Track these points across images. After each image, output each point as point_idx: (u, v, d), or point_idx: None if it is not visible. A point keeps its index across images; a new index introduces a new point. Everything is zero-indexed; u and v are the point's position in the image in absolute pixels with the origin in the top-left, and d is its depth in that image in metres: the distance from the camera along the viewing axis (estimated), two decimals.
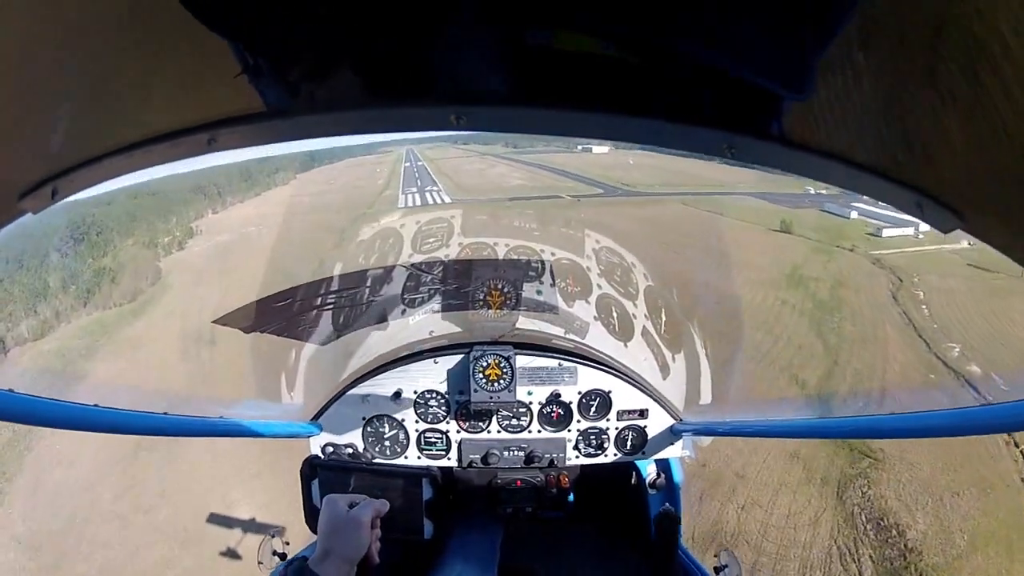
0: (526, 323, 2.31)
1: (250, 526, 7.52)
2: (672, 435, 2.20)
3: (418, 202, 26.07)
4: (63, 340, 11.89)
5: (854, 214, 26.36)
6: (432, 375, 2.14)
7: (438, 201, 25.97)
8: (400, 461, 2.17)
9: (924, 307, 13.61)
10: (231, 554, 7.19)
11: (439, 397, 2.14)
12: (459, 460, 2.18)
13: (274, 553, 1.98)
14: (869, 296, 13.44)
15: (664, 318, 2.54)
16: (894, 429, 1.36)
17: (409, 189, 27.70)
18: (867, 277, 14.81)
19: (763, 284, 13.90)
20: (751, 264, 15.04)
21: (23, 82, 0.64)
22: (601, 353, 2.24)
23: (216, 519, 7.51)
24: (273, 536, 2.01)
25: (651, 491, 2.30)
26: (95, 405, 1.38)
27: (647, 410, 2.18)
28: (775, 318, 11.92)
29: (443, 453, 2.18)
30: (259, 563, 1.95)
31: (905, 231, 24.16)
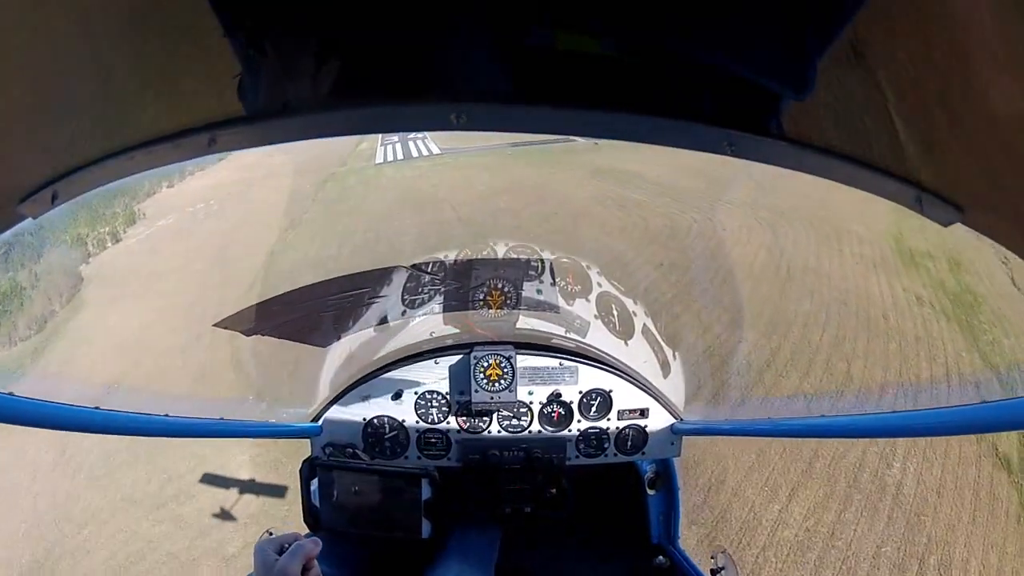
0: (526, 322, 2.31)
1: None
2: (673, 434, 2.20)
3: (399, 155, 21.31)
4: None
5: None
6: (433, 375, 2.14)
7: (423, 152, 21.30)
8: (400, 461, 2.17)
9: None
10: None
11: (440, 397, 2.14)
12: (459, 460, 2.18)
13: None
14: (992, 281, 10.68)
15: (664, 316, 2.54)
16: (898, 428, 1.36)
17: (389, 139, 22.78)
18: (974, 251, 11.88)
19: (876, 265, 11.12)
20: (848, 233, 12.43)
21: (23, 85, 0.64)
22: (602, 352, 2.24)
23: None
24: (271, 534, 2.01)
25: (651, 491, 2.30)
26: (96, 407, 1.38)
27: (648, 409, 2.18)
28: (924, 329, 8.99)
29: (443, 453, 2.18)
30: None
31: None
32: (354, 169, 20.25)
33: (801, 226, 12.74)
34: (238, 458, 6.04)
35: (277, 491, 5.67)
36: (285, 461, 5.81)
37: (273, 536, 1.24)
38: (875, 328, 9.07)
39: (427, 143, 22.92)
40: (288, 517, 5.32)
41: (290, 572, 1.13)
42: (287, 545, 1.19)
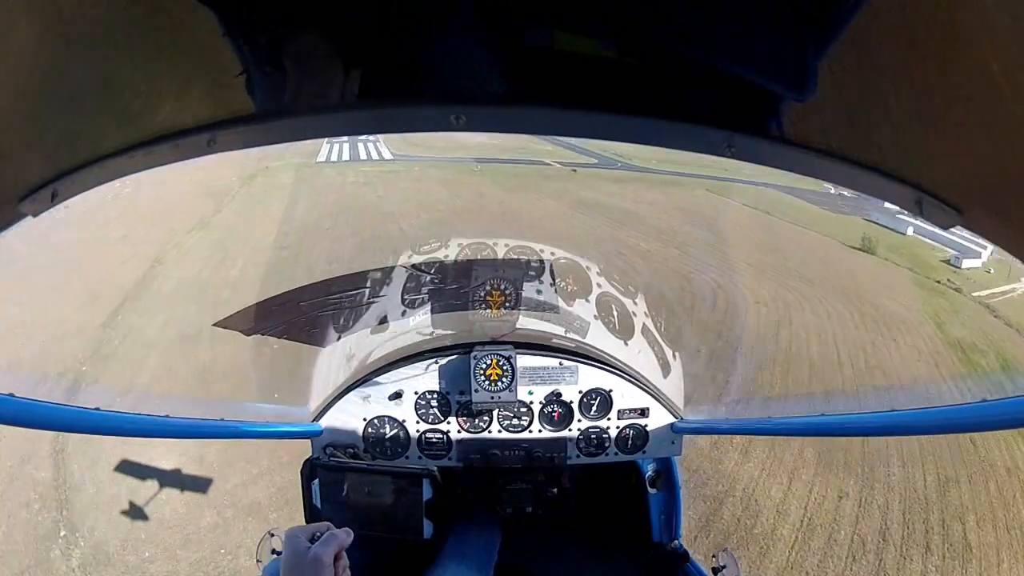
0: (526, 323, 2.31)
1: None
2: (673, 434, 2.20)
3: (345, 156, 19.24)
4: None
5: (910, 230, 21.51)
6: (433, 375, 2.14)
7: (374, 156, 19.37)
8: (401, 461, 2.17)
9: None
10: None
11: (440, 397, 2.14)
12: (460, 460, 2.18)
13: (273, 551, 1.98)
14: None
15: (664, 316, 2.54)
16: (897, 426, 1.36)
17: (338, 138, 20.29)
18: (1012, 344, 10.73)
19: (937, 364, 9.62)
20: (889, 314, 10.74)
21: (23, 84, 0.64)
22: (602, 352, 2.24)
23: None
24: (272, 535, 2.00)
25: (651, 491, 2.30)
26: (96, 408, 1.38)
27: (648, 409, 2.18)
28: (1011, 457, 7.73)
29: (444, 453, 2.18)
30: (257, 561, 1.94)
31: (974, 262, 20.16)
32: (291, 165, 17.66)
33: (837, 301, 11.12)
34: None
35: None
36: None
37: (304, 525, 1.22)
38: (969, 461, 7.85)
39: (378, 146, 20.79)
40: None
41: (324, 560, 1.12)
42: (319, 534, 1.19)
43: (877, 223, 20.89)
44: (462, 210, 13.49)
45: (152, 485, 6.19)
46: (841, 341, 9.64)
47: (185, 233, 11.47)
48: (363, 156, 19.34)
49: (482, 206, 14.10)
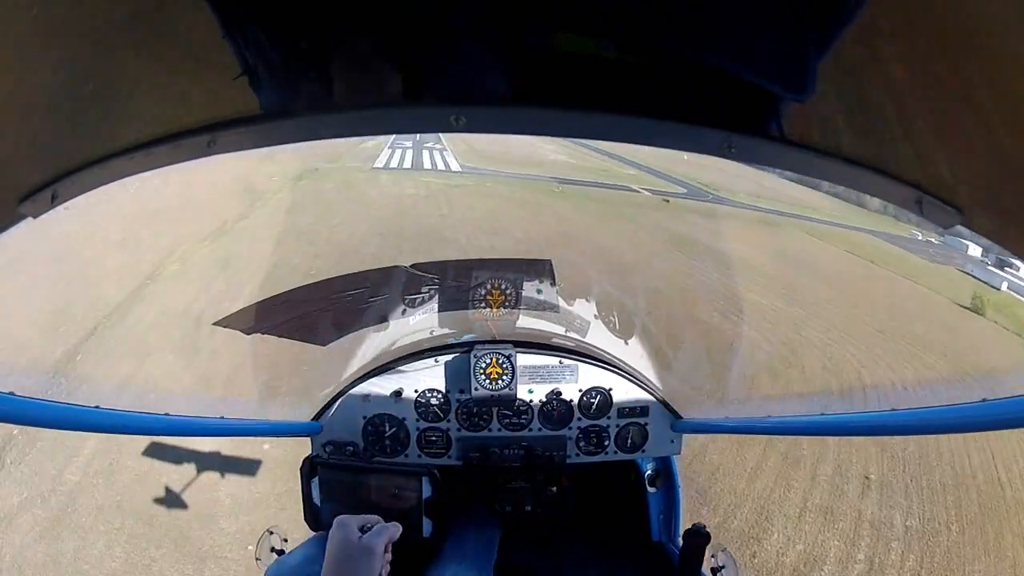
0: (526, 322, 2.31)
1: None
2: (672, 432, 2.21)
3: (407, 163, 17.35)
4: None
5: (1004, 285, 19.44)
6: (432, 374, 2.14)
7: (439, 166, 17.25)
8: (400, 459, 2.18)
9: None
10: None
11: (439, 396, 2.15)
12: (459, 458, 2.19)
13: (272, 549, 1.97)
14: None
15: (665, 315, 2.55)
16: (897, 426, 1.36)
17: (401, 142, 19.22)
18: None
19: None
20: None
21: (23, 84, 0.64)
22: (602, 351, 2.25)
23: None
24: (272, 533, 2.00)
25: (651, 489, 2.31)
26: (96, 407, 1.38)
27: (648, 408, 2.18)
28: None
29: (443, 451, 2.19)
30: (257, 559, 1.94)
31: None
32: (343, 168, 15.49)
33: (981, 390, 8.10)
34: None
35: None
36: None
37: (353, 515, 1.23)
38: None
39: (445, 155, 18.86)
40: None
41: (376, 551, 1.14)
42: (369, 525, 1.21)
43: (972, 275, 18.52)
44: (545, 241, 11.05)
45: None
46: (999, 456, 7.18)
47: (197, 241, 9.44)
48: (427, 165, 17.30)
49: (568, 235, 11.57)
